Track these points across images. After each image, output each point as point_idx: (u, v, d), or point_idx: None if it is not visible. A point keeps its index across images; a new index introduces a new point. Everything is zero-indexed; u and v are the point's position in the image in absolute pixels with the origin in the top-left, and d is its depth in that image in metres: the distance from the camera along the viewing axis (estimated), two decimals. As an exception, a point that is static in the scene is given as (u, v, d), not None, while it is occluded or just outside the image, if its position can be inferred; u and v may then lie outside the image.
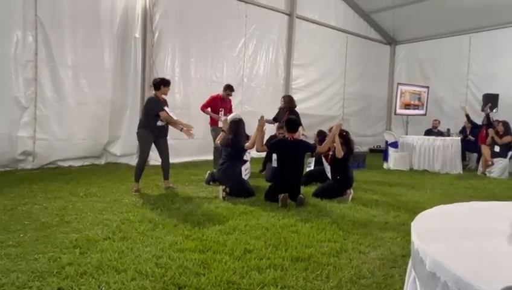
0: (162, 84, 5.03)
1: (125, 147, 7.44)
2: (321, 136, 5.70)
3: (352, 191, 4.99)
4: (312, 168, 6.07)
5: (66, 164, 6.76)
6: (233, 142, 5.09)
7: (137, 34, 7.45)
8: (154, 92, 5.10)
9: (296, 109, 6.83)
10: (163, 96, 5.11)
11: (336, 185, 4.98)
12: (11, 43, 6.04)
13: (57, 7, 6.49)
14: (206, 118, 6.81)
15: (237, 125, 5.22)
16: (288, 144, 4.75)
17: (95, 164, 7.16)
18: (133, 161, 7.30)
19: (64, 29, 6.62)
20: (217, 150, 6.27)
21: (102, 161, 7.35)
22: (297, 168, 4.76)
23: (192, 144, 8.02)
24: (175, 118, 5.05)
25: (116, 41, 7.32)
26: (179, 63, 8.12)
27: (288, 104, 6.78)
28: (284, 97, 7.04)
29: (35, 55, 6.31)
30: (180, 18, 8.00)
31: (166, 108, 5.01)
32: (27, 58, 6.23)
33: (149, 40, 7.57)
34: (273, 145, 4.94)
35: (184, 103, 8.04)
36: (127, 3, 7.37)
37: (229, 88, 6.67)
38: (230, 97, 6.76)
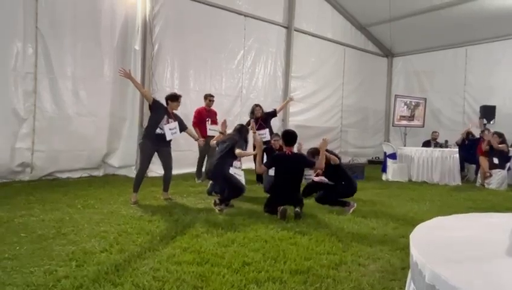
0: (168, 99, 5.15)
1: (123, 158, 7.43)
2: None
3: (355, 204, 4.93)
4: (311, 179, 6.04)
5: (64, 176, 6.73)
6: (231, 138, 5.15)
7: (137, 46, 7.49)
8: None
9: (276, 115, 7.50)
10: (174, 111, 5.19)
11: (341, 190, 5.03)
12: (11, 55, 6.07)
13: (57, 19, 6.55)
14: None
15: (242, 127, 5.46)
16: (288, 159, 4.71)
17: (93, 176, 7.13)
18: (132, 172, 7.29)
19: (64, 41, 6.67)
20: (200, 159, 6.77)
21: (101, 173, 7.32)
22: (295, 182, 4.74)
23: (192, 155, 8.01)
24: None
25: (115, 53, 7.37)
26: (178, 75, 8.16)
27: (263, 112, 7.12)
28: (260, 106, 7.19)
29: (34, 66, 6.34)
30: (179, 30, 8.07)
31: (171, 121, 5.04)
32: (27, 70, 6.25)
33: (148, 52, 7.61)
34: (273, 160, 4.90)
35: (183, 115, 8.04)
36: (127, 15, 7.45)
37: (209, 95, 6.97)
38: (213, 108, 6.97)
